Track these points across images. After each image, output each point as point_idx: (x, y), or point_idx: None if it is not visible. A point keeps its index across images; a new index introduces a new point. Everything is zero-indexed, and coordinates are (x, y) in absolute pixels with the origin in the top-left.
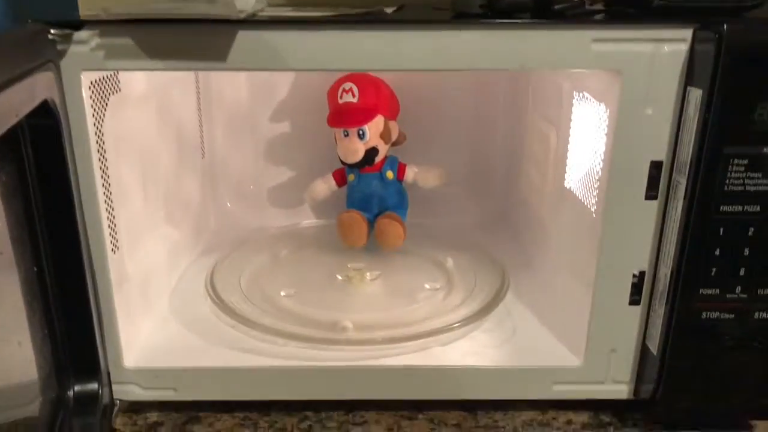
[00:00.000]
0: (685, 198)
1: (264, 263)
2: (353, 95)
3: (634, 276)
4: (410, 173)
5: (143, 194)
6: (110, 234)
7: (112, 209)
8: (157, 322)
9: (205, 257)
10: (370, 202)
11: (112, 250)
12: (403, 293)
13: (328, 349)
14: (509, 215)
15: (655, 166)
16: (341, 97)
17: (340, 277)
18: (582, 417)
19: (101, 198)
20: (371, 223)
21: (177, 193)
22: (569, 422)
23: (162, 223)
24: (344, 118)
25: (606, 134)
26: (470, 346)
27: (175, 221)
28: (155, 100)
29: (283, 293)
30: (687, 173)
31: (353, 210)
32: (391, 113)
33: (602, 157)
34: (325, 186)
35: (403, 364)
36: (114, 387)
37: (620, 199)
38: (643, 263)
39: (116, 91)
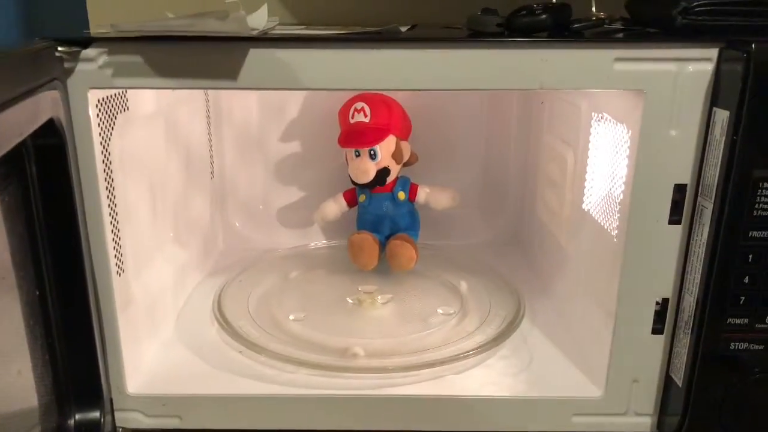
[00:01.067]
0: (711, 223)
1: (273, 285)
2: (365, 115)
3: (656, 303)
4: (422, 194)
5: (151, 215)
6: (115, 256)
7: (118, 231)
8: (162, 347)
9: (212, 278)
10: (382, 223)
11: (117, 272)
12: (416, 318)
13: (339, 377)
14: (523, 238)
15: (679, 190)
16: (353, 117)
17: (350, 301)
18: None
19: (106, 219)
20: (382, 245)
21: (185, 213)
22: None
23: (170, 244)
24: (356, 138)
25: (627, 156)
26: (486, 375)
27: (182, 242)
28: (164, 119)
29: (292, 317)
30: (713, 197)
31: (365, 231)
32: (403, 133)
33: (623, 180)
34: (335, 206)
35: (416, 394)
36: (116, 414)
37: (642, 224)
38: (667, 290)
39: (124, 110)
